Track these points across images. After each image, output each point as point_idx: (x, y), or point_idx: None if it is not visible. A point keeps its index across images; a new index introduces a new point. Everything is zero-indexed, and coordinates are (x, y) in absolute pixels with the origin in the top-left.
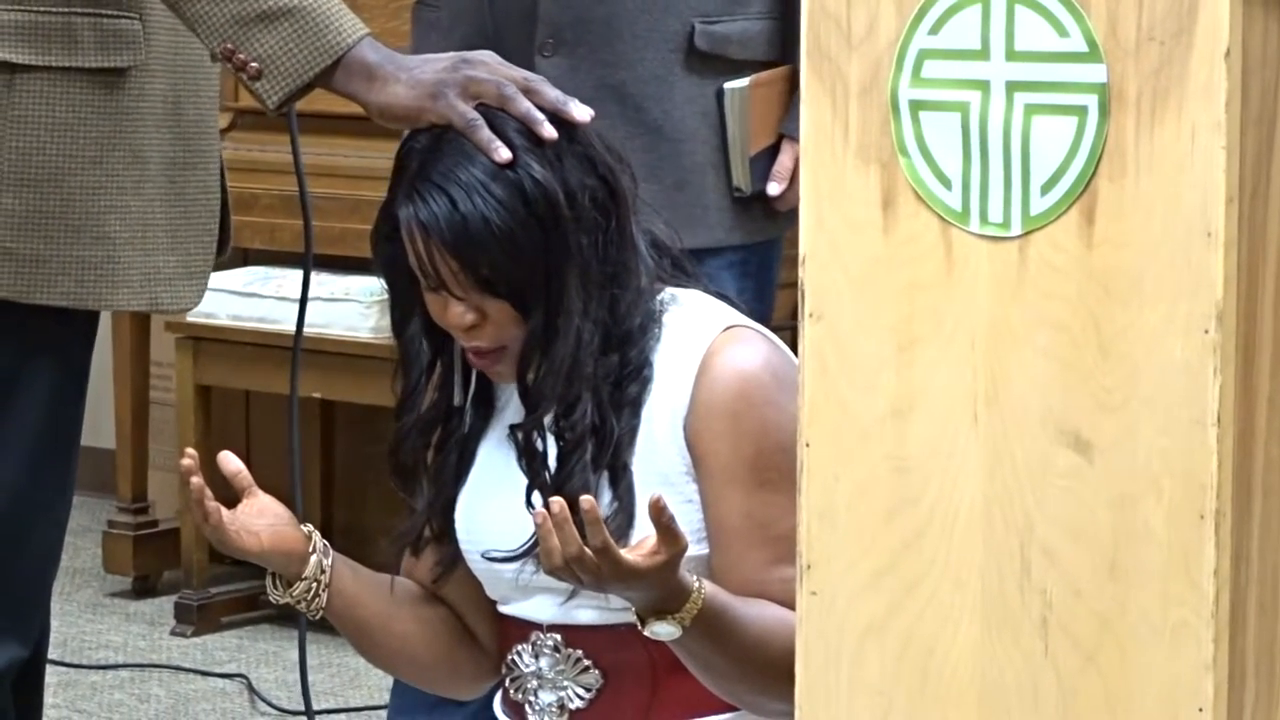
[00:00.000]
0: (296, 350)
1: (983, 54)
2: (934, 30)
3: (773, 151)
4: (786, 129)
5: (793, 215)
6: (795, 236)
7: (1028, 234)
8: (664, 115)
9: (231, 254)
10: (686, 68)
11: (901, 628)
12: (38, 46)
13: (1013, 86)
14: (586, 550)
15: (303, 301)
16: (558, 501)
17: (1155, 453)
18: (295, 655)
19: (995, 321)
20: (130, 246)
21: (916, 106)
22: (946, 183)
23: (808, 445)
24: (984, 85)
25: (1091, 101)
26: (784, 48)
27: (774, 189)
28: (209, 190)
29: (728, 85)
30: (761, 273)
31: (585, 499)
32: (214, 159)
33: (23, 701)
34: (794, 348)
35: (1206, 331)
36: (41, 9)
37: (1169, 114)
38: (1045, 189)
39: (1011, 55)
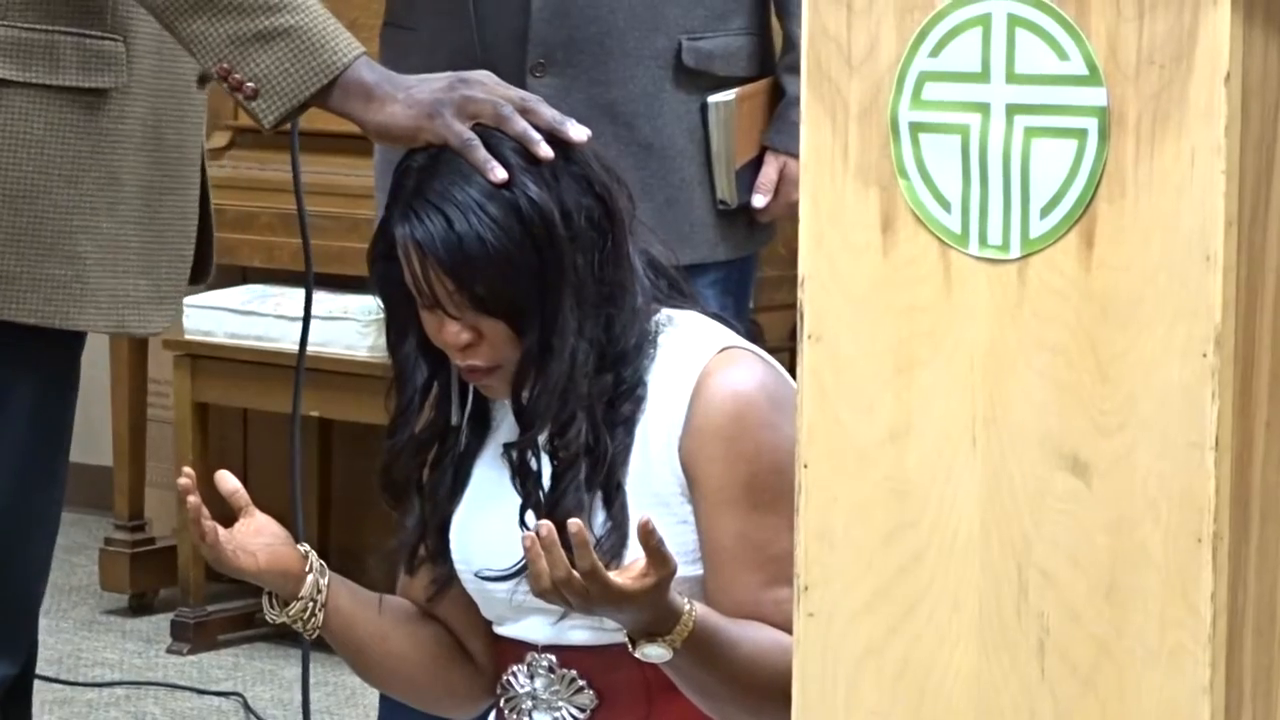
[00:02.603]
0: (299, 369)
1: (983, 76)
2: (934, 52)
3: (755, 164)
4: (769, 141)
5: (768, 231)
6: (794, 258)
7: (1027, 257)
8: (654, 132)
9: (230, 272)
10: (675, 84)
11: (899, 650)
12: (19, 62)
13: (1013, 109)
14: (574, 573)
15: (305, 320)
16: (545, 525)
17: (1153, 476)
18: (291, 674)
19: (994, 344)
20: (100, 267)
21: (916, 128)
22: (946, 205)
23: (806, 467)
24: (984, 108)
25: (1091, 124)
26: (763, 64)
27: (759, 201)
28: (185, 216)
29: (712, 99)
30: (740, 289)
31: (573, 522)
32: (193, 185)
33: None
34: (792, 369)
35: (1205, 355)
36: (25, 25)
37: (1169, 137)
38: (1045, 212)
39: (1012, 78)
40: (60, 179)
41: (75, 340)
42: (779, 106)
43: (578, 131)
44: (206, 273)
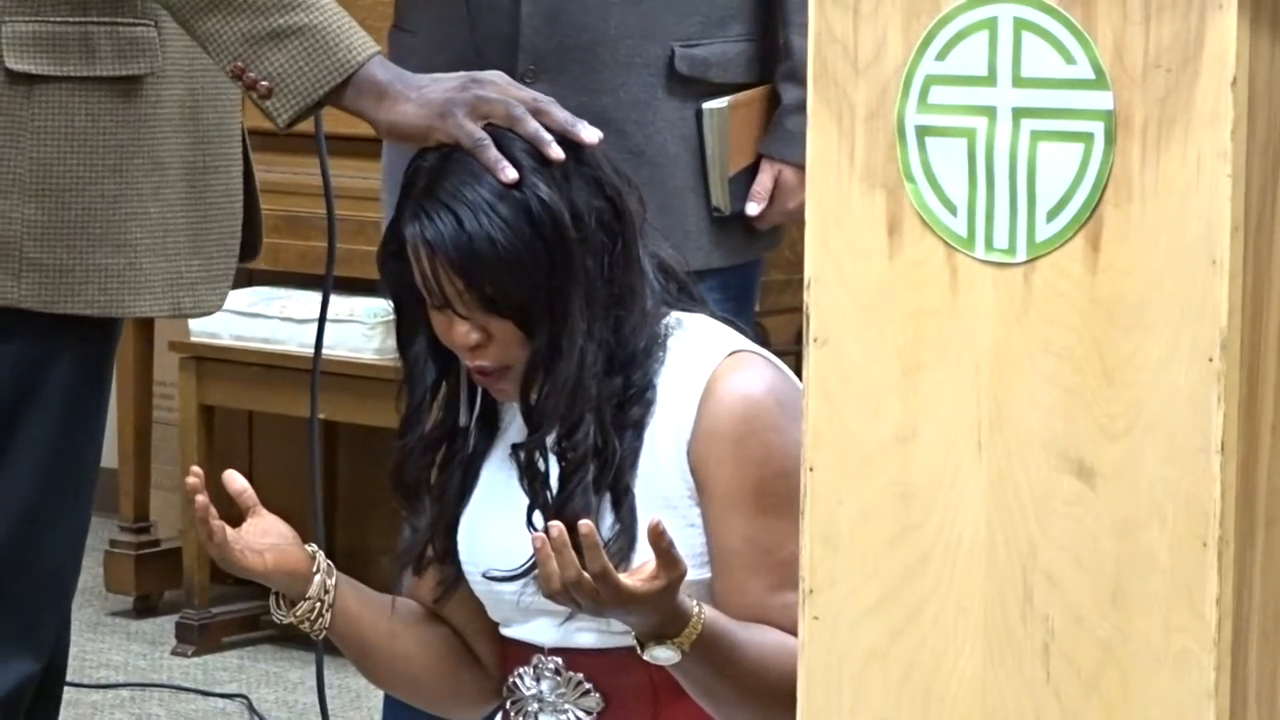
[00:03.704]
0: (315, 372)
1: (989, 80)
2: (941, 56)
3: (751, 171)
4: (765, 149)
5: (771, 238)
6: (799, 261)
7: (1033, 260)
8: (646, 140)
9: (236, 274)
10: (668, 92)
11: (904, 653)
12: (55, 57)
13: (1019, 113)
14: (585, 575)
15: (321, 323)
16: (556, 526)
17: (1159, 480)
18: (295, 676)
19: (999, 348)
20: (152, 253)
21: (923, 132)
22: (952, 208)
23: (811, 470)
24: (990, 111)
25: (1097, 128)
26: (762, 70)
27: (753, 209)
28: (231, 194)
29: (706, 105)
30: (742, 296)
31: (584, 524)
32: (236, 162)
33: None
34: (798, 372)
35: (1210, 359)
36: (58, 19)
37: (1175, 141)
38: (1051, 215)
39: (1018, 82)
40: (105, 169)
41: (113, 331)
42: (775, 114)
43: (589, 133)
44: (256, 249)
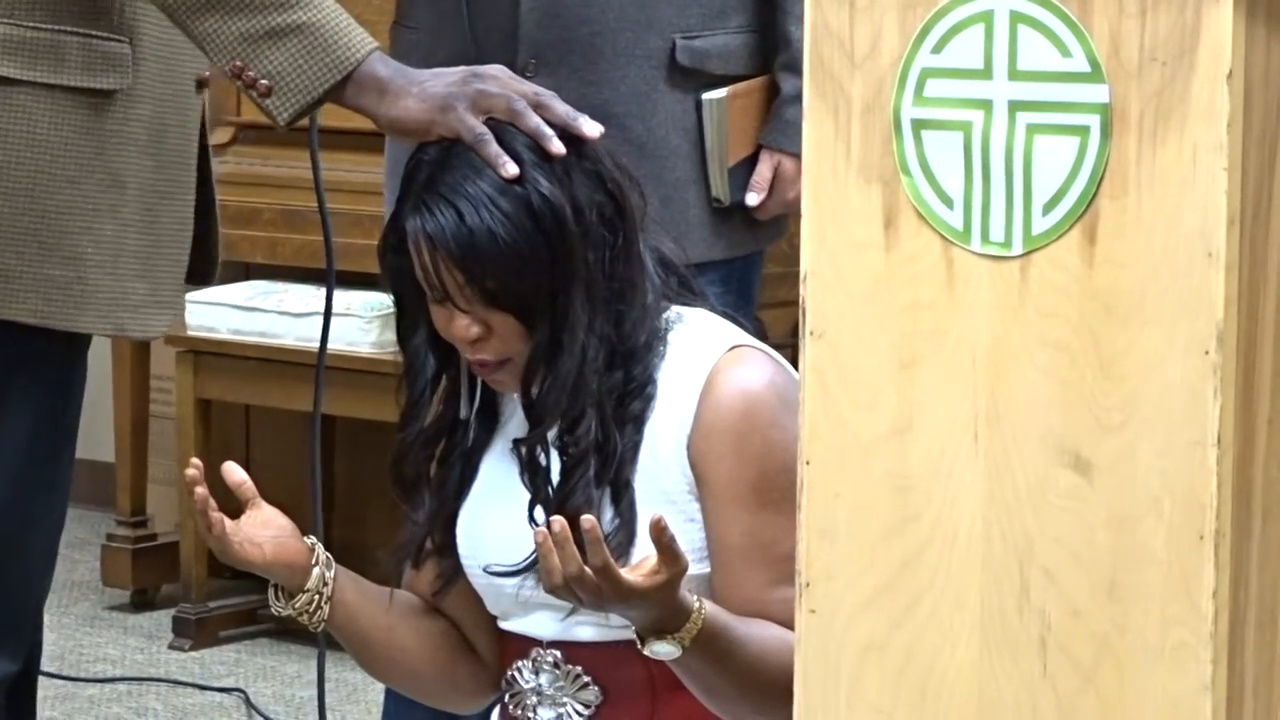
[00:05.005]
0: (320, 366)
1: (985, 73)
2: (937, 49)
3: (751, 162)
4: (764, 139)
5: (773, 229)
6: (796, 254)
7: (1029, 253)
8: (647, 132)
9: (233, 268)
10: (669, 84)
11: (900, 646)
12: (22, 61)
13: (1015, 106)
14: (587, 569)
15: (326, 318)
16: (558, 520)
17: (1155, 473)
18: (293, 670)
19: (996, 341)
20: (100, 270)
21: (919, 125)
22: (948, 202)
23: (808, 463)
24: (986, 104)
25: (1094, 121)
26: (764, 61)
27: (752, 199)
28: (183, 221)
29: (705, 96)
30: (742, 289)
31: (586, 518)
32: (190, 190)
33: (15, 717)
34: (795, 365)
35: (1207, 352)
36: (30, 24)
37: (1171, 134)
38: (1047, 208)
39: (1014, 75)
40: (63, 179)
41: (78, 341)
42: (774, 104)
43: (591, 127)
44: (213, 273)
